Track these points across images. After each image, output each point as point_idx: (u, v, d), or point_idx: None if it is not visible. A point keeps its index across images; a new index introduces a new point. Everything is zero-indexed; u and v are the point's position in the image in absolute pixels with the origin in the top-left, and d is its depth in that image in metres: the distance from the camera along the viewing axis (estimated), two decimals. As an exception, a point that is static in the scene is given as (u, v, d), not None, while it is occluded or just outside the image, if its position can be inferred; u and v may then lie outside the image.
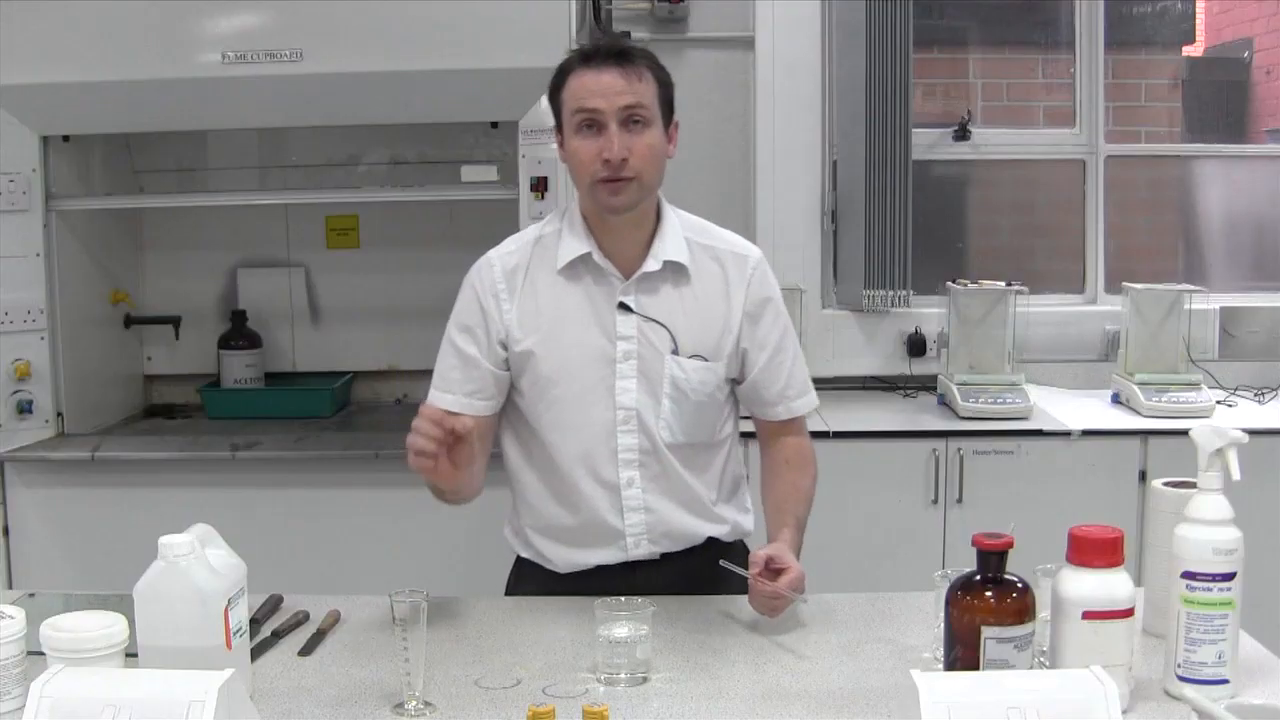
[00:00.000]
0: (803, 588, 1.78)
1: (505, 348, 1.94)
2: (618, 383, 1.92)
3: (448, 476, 1.77)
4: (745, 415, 2.08)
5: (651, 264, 1.92)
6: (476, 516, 2.98)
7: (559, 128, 1.92)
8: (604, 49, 1.87)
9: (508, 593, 2.10)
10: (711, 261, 1.97)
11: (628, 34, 3.59)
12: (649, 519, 1.95)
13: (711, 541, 2.00)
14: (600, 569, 1.97)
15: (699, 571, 1.96)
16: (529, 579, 2.05)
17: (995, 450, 3.18)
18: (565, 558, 1.99)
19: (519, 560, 2.08)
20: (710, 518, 2.00)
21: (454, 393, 1.94)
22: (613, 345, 1.92)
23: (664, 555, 1.98)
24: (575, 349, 1.92)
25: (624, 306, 1.92)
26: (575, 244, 1.92)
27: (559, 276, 1.93)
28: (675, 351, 1.92)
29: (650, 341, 1.92)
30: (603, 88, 1.83)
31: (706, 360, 1.94)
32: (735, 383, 2.01)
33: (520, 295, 1.94)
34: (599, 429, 1.92)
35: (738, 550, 2.05)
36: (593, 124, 1.85)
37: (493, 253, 1.99)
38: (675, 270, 1.94)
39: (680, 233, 1.96)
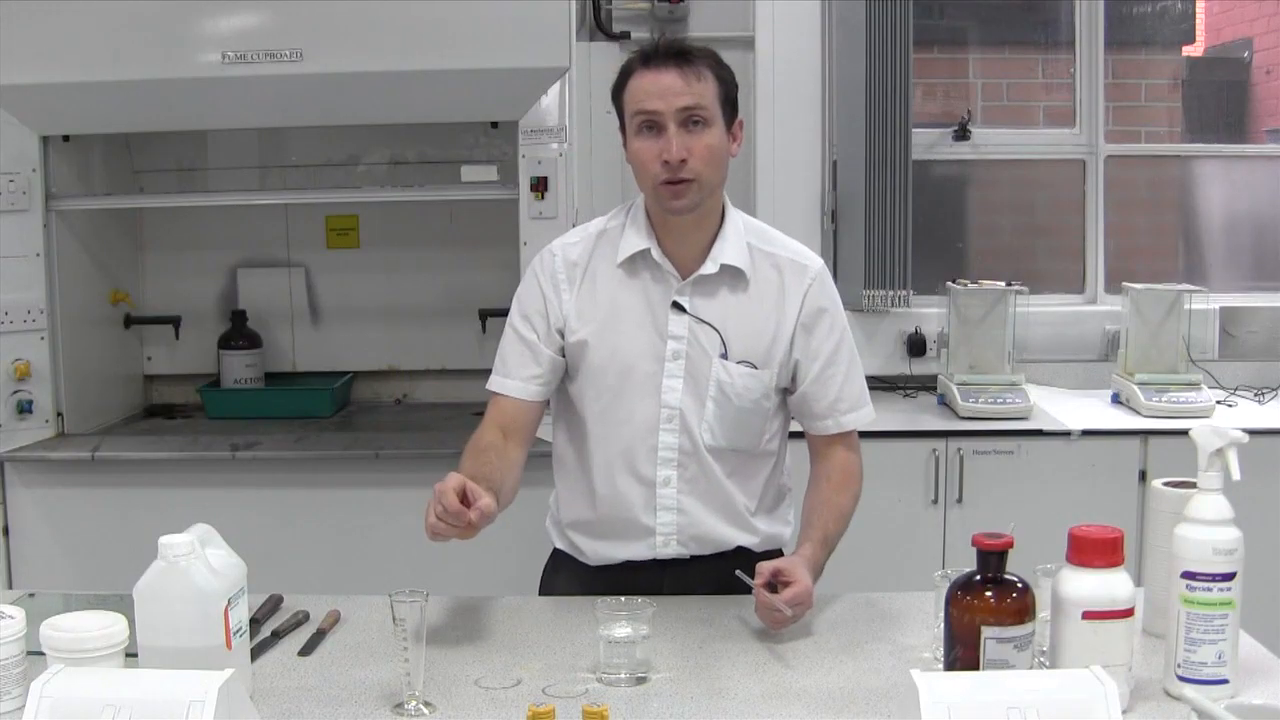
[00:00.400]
0: (809, 603, 1.77)
1: (563, 336, 1.95)
2: (664, 381, 1.92)
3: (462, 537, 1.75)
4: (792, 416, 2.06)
5: (709, 266, 1.92)
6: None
7: (622, 128, 1.92)
8: (663, 49, 1.86)
9: (542, 582, 2.12)
10: (771, 269, 1.96)
11: (627, 34, 3.60)
12: (680, 520, 1.96)
13: (742, 550, 2.00)
14: (630, 565, 1.98)
15: (728, 576, 1.96)
16: (563, 570, 2.07)
17: (995, 450, 3.18)
18: (595, 550, 2.01)
19: (555, 551, 2.10)
20: (744, 527, 2.00)
21: (513, 377, 1.96)
22: (663, 343, 1.92)
23: (694, 557, 1.99)
24: (627, 343, 1.93)
25: (677, 306, 1.92)
26: (636, 240, 1.93)
27: (618, 270, 1.94)
28: (724, 356, 1.92)
29: (700, 343, 1.92)
30: (661, 89, 1.83)
31: (755, 368, 1.94)
32: (787, 392, 2.01)
33: (580, 286, 1.95)
34: (641, 425, 1.93)
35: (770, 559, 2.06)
36: (652, 125, 1.85)
37: (556, 243, 2.01)
38: (733, 274, 1.94)
39: (742, 237, 1.96)
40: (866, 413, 2.03)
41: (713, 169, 1.87)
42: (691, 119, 1.84)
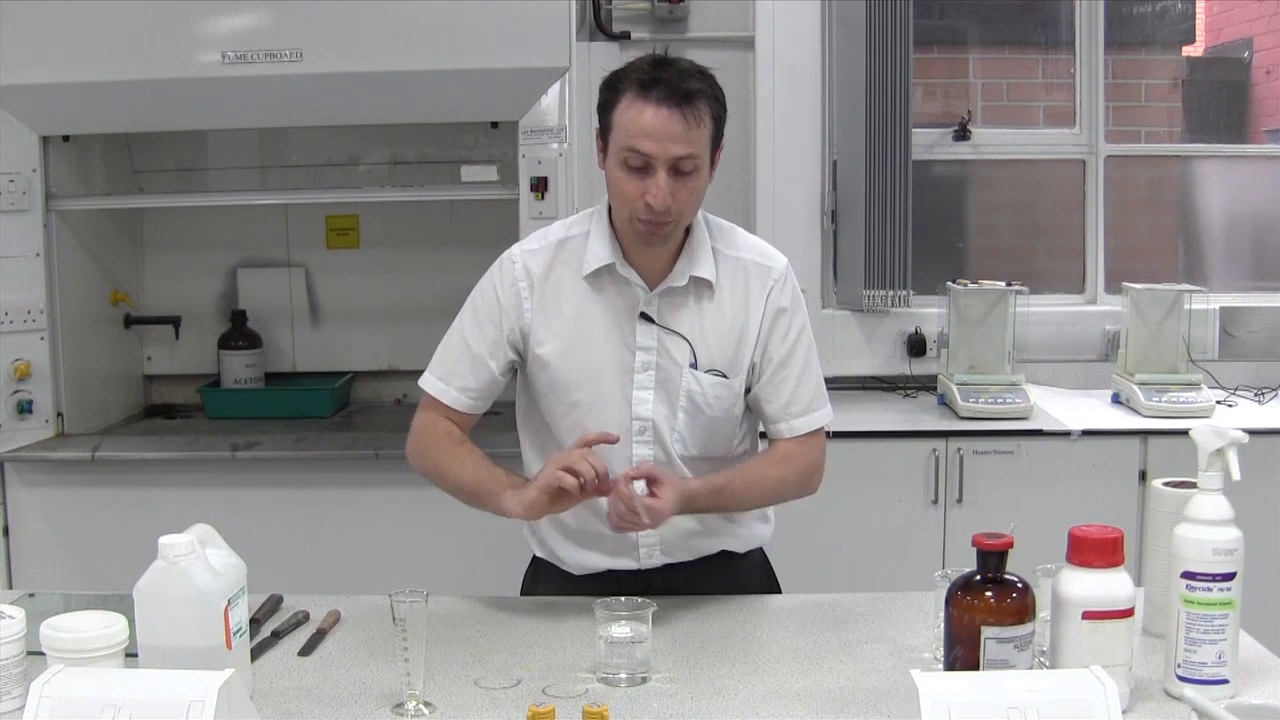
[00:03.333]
0: (656, 522, 1.76)
1: (521, 349, 1.92)
2: (635, 393, 1.90)
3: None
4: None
5: (678, 279, 1.90)
6: (476, 516, 2.98)
7: (602, 137, 1.85)
8: (666, 83, 1.76)
9: (523, 592, 2.10)
10: (736, 273, 1.93)
11: (627, 34, 3.60)
12: (662, 530, 1.94)
13: (725, 553, 1.99)
14: (613, 572, 1.96)
15: (713, 581, 1.95)
16: (544, 579, 2.05)
17: (995, 450, 3.18)
18: (579, 559, 1.98)
19: (535, 560, 2.08)
20: (723, 530, 1.99)
21: (450, 385, 1.94)
22: (631, 355, 1.90)
23: (679, 563, 1.97)
24: (594, 356, 1.90)
25: (645, 317, 1.90)
26: (601, 252, 1.89)
27: (583, 282, 1.91)
28: (694, 365, 1.90)
29: (670, 353, 1.90)
30: (658, 131, 1.76)
31: (725, 377, 1.92)
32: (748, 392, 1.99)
33: (543, 297, 1.92)
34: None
35: (753, 560, 2.05)
36: (641, 163, 1.79)
37: (516, 249, 1.96)
38: (700, 283, 1.91)
39: (708, 245, 1.92)
40: (821, 415, 1.97)
41: (692, 208, 1.85)
42: (681, 167, 1.79)
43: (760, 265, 1.95)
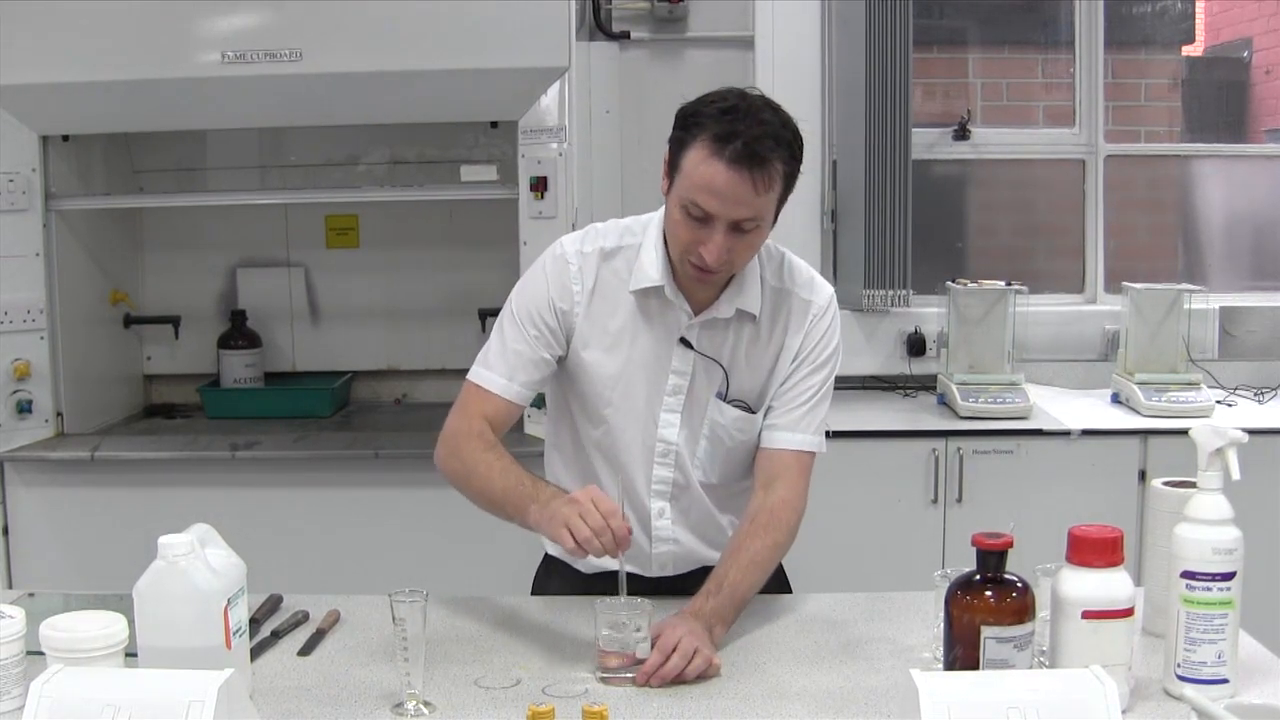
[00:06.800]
0: (709, 660, 1.62)
1: (566, 343, 1.89)
2: (662, 415, 1.90)
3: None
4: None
5: (724, 310, 1.87)
6: (476, 517, 2.97)
7: (669, 171, 1.78)
8: (743, 141, 1.67)
9: (534, 587, 2.09)
10: (779, 305, 1.91)
11: (627, 34, 3.60)
12: (676, 549, 1.95)
13: None
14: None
15: None
16: (557, 575, 2.05)
17: (995, 450, 3.18)
18: (594, 561, 1.95)
19: (546, 557, 2.08)
20: None
21: (508, 378, 1.87)
22: (665, 377, 1.89)
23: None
24: (629, 372, 1.89)
25: (684, 342, 1.88)
26: (653, 272, 1.86)
27: (629, 295, 1.88)
28: (722, 395, 1.89)
29: (702, 380, 1.89)
30: (724, 192, 1.69)
31: (750, 411, 1.91)
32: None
33: (590, 303, 1.89)
34: (637, 457, 1.91)
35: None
36: (701, 214, 1.72)
37: (571, 248, 1.90)
38: (743, 315, 1.89)
39: (757, 276, 1.89)
40: (803, 438, 1.91)
41: (746, 260, 1.81)
42: (743, 226, 1.74)
43: (802, 300, 1.92)
